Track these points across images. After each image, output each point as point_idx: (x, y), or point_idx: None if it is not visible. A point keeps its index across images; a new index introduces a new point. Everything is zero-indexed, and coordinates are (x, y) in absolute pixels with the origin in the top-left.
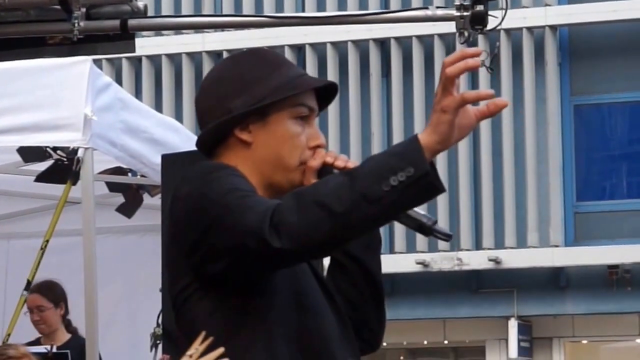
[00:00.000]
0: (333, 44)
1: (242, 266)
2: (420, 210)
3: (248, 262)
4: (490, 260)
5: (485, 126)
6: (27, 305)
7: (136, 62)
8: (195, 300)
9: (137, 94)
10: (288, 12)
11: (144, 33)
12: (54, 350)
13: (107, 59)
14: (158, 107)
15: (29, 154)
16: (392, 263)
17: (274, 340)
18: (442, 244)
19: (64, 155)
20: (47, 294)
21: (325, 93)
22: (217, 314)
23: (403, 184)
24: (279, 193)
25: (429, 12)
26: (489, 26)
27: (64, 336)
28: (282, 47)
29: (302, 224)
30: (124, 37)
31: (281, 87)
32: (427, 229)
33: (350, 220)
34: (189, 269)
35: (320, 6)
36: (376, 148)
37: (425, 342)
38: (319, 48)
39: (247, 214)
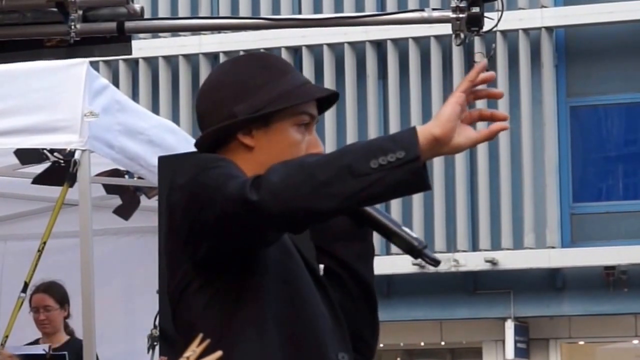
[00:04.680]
0: (329, 45)
1: (227, 236)
2: (413, 233)
3: (231, 229)
4: (487, 261)
5: (481, 127)
6: (33, 304)
7: (133, 64)
8: (191, 292)
9: (134, 96)
10: (285, 14)
11: (141, 35)
12: (52, 351)
13: (104, 61)
14: (155, 109)
15: (26, 156)
16: (389, 264)
17: (265, 329)
18: (439, 245)
19: (61, 157)
20: (54, 295)
21: (325, 100)
22: (211, 306)
23: (391, 164)
24: None
25: (425, 14)
26: (485, 28)
27: (63, 338)
28: (279, 48)
29: (283, 183)
30: (121, 39)
31: (286, 94)
32: (417, 252)
33: (331, 190)
34: (187, 258)
35: (317, 8)
36: None
37: (422, 344)
38: (315, 50)
39: (231, 183)
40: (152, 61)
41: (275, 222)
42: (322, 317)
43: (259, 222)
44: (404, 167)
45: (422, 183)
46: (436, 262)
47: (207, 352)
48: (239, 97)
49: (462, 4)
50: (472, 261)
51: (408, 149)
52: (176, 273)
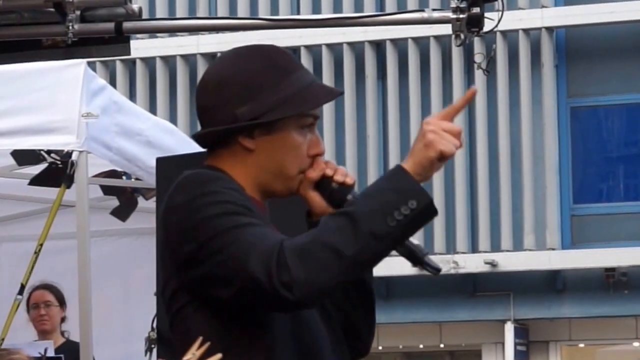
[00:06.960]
0: (328, 46)
1: (250, 301)
2: (414, 240)
3: (245, 299)
4: (487, 263)
5: (481, 128)
6: (33, 300)
7: (130, 64)
8: (190, 311)
9: (132, 96)
10: (283, 15)
11: (138, 35)
12: (48, 354)
13: (101, 62)
14: (152, 109)
15: (23, 157)
16: (388, 266)
17: (273, 355)
18: (438, 247)
19: (58, 158)
20: (54, 292)
21: None
22: (214, 327)
23: (408, 217)
24: (273, 197)
25: (425, 15)
26: (485, 28)
27: (59, 340)
28: None
29: (312, 266)
30: (119, 39)
31: (292, 99)
32: (419, 260)
33: (360, 260)
34: (181, 279)
35: (316, 8)
36: (372, 150)
37: (422, 346)
38: (314, 50)
39: (251, 256)
40: (149, 61)
41: (304, 304)
42: (323, 336)
43: (284, 304)
44: (421, 214)
45: (435, 215)
46: (437, 271)
47: (206, 355)
48: (243, 98)
49: (462, 5)
50: (472, 263)
51: (417, 196)
52: (169, 284)
